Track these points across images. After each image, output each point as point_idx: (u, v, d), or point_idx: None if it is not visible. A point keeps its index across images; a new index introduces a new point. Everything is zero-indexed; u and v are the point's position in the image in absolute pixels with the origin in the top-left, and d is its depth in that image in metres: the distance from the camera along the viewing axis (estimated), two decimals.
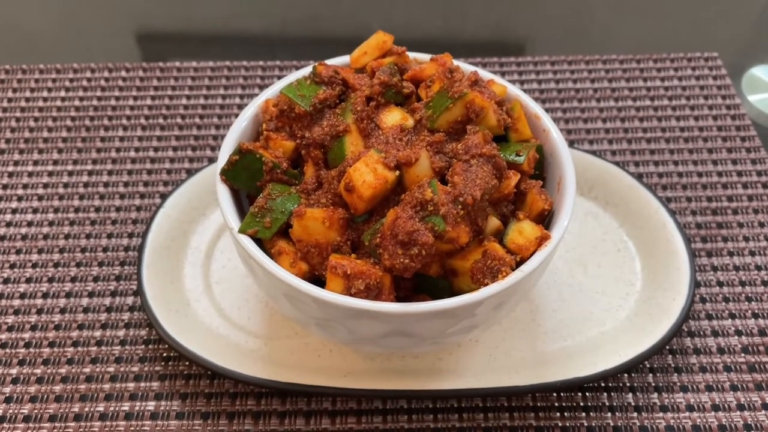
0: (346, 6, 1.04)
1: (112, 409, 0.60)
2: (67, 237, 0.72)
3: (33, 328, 0.65)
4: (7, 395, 0.61)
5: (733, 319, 0.66)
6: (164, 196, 0.72)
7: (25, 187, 0.77)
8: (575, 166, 0.56)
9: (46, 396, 0.61)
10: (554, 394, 0.61)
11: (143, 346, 0.64)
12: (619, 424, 0.59)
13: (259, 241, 0.52)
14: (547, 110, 0.83)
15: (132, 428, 0.59)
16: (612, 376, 0.60)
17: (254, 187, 0.54)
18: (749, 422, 0.59)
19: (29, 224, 0.73)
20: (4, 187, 0.77)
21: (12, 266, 0.70)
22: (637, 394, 0.61)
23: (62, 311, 0.66)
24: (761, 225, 0.73)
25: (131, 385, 0.61)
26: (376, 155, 0.50)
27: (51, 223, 0.73)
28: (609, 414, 0.60)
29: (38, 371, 0.62)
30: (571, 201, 0.53)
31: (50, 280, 0.68)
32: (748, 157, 0.79)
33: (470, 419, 0.59)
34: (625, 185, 0.71)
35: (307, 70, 0.59)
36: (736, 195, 0.76)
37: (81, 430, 0.59)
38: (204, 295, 0.65)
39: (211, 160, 0.78)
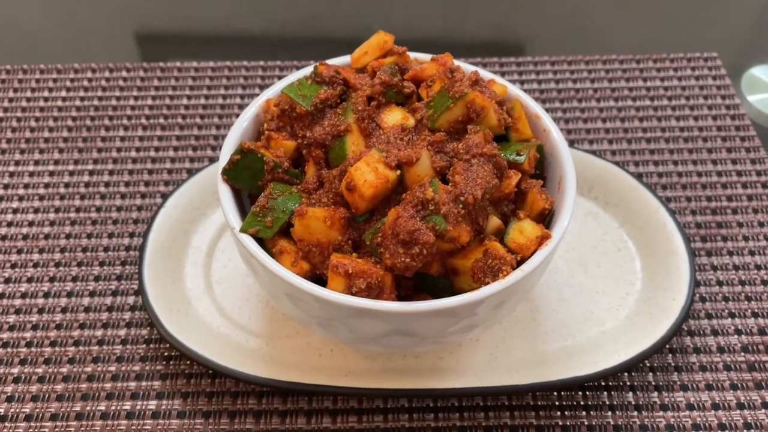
0: (346, 6, 1.04)
1: (113, 408, 0.60)
2: (68, 237, 0.72)
3: (34, 327, 0.65)
4: (9, 394, 0.61)
5: (732, 318, 0.66)
6: (165, 196, 0.72)
7: (26, 186, 0.77)
8: (575, 165, 0.56)
9: (47, 395, 0.61)
10: (555, 393, 0.61)
11: (144, 346, 0.64)
12: (620, 423, 0.59)
13: (260, 241, 0.52)
14: (547, 110, 0.83)
15: (133, 427, 0.59)
16: (612, 375, 0.60)
17: (255, 187, 0.55)
18: (749, 421, 0.59)
19: (30, 224, 0.73)
20: (6, 186, 0.77)
21: (13, 266, 0.70)
22: (638, 393, 0.61)
23: (63, 310, 0.66)
24: (761, 224, 0.73)
25: (132, 384, 0.61)
26: (377, 155, 0.50)
27: (52, 223, 0.73)
28: (609, 413, 0.60)
29: (40, 370, 0.62)
30: (572, 200, 0.54)
31: (51, 279, 0.69)
32: (748, 157, 0.79)
33: (471, 418, 0.59)
34: (625, 185, 0.71)
35: (307, 70, 0.59)
36: (735, 195, 0.76)
37: (82, 429, 0.59)
38: (205, 294, 0.65)
39: (212, 160, 0.78)
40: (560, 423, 0.59)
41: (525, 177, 0.55)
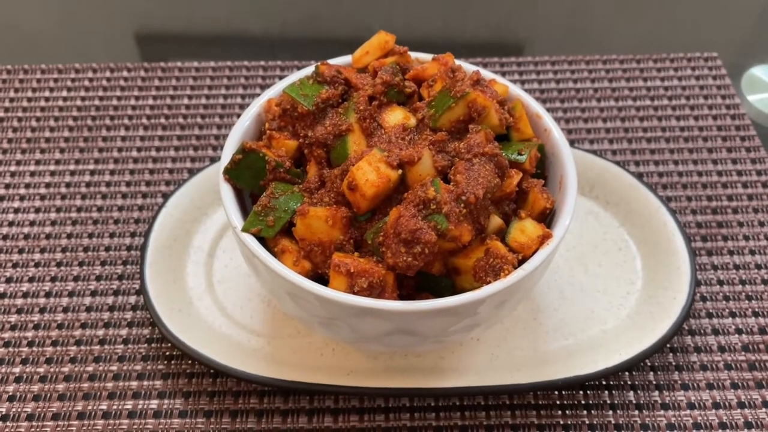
0: (346, 6, 1.04)
1: (115, 407, 0.60)
2: (69, 236, 0.72)
3: (36, 326, 0.65)
4: (11, 394, 0.61)
5: (733, 318, 0.66)
6: (166, 196, 0.72)
7: (27, 186, 0.77)
8: (576, 165, 0.56)
9: (49, 394, 0.61)
10: (556, 392, 0.61)
11: (146, 345, 0.64)
12: (621, 421, 0.59)
13: (262, 240, 0.52)
14: (547, 110, 0.83)
15: (135, 426, 0.59)
16: (613, 374, 0.60)
17: (257, 186, 0.55)
18: (750, 420, 0.59)
19: (32, 224, 0.73)
20: (7, 186, 0.77)
21: (15, 265, 0.70)
22: (639, 392, 0.61)
23: (65, 310, 0.66)
24: (761, 224, 0.73)
25: (134, 384, 0.61)
26: (379, 154, 0.50)
27: (53, 223, 0.73)
28: (610, 412, 0.60)
29: (41, 370, 0.62)
30: (573, 200, 0.54)
31: (53, 279, 0.69)
32: (748, 157, 0.79)
33: (472, 417, 0.59)
34: (626, 184, 0.71)
35: (309, 70, 0.59)
36: (735, 194, 0.76)
37: (84, 428, 0.59)
38: (206, 293, 0.65)
39: (213, 160, 0.78)
40: (561, 422, 0.59)
41: (526, 176, 0.55)
